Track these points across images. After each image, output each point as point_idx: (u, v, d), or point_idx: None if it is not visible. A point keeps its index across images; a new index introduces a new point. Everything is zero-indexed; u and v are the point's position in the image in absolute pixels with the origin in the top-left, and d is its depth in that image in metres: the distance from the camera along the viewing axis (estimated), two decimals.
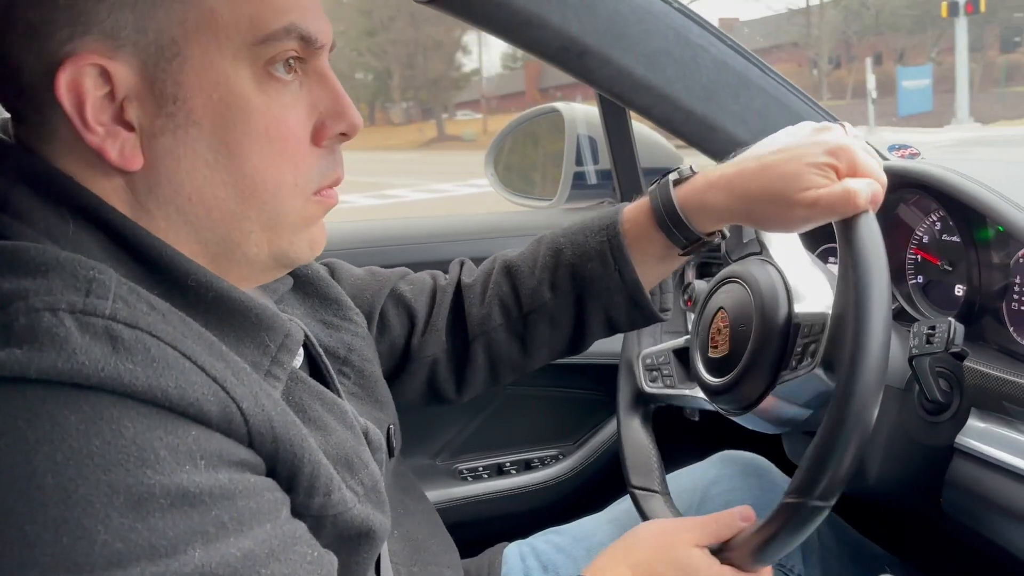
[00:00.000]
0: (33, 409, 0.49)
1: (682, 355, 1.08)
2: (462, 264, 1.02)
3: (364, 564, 0.70)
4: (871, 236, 0.70)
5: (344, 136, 0.67)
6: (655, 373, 1.10)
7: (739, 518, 0.79)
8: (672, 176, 0.86)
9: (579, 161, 1.62)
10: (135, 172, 0.60)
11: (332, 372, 0.77)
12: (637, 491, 1.04)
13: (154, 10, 0.58)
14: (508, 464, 1.52)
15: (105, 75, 0.58)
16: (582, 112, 1.66)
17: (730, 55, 1.22)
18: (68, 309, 0.51)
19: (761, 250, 0.92)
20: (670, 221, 0.84)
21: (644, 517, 1.00)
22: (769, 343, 0.85)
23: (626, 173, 1.50)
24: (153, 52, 0.58)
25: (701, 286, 1.08)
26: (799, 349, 0.82)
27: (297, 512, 0.61)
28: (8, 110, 0.63)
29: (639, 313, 0.91)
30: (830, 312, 0.79)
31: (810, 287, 0.86)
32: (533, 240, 0.97)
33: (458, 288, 0.97)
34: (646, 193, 0.89)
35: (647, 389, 1.09)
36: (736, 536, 0.77)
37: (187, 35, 0.59)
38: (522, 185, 1.83)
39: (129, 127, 0.59)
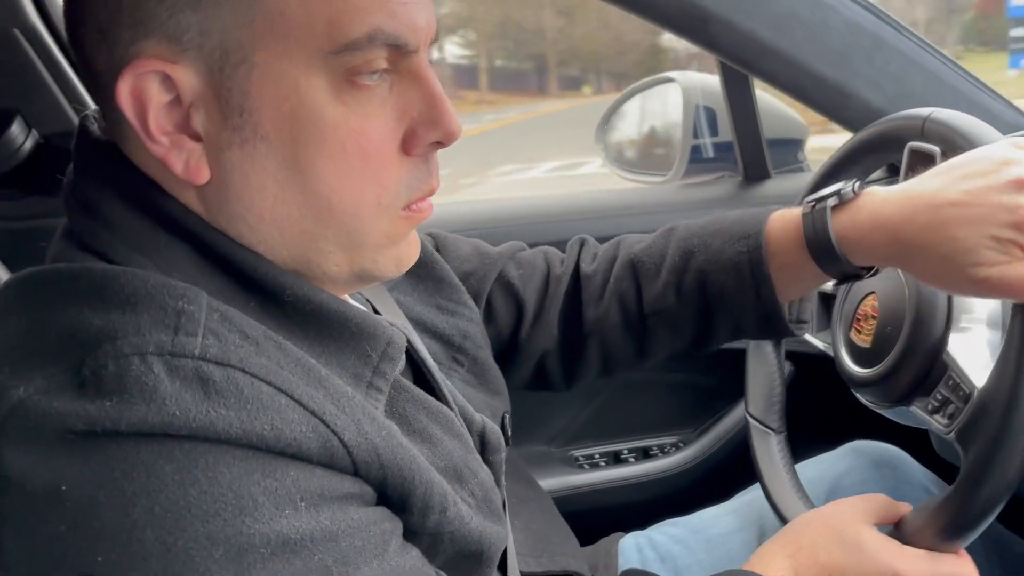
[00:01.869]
0: (128, 461, 0.48)
1: (827, 300, 1.01)
2: (582, 244, 0.94)
3: (486, 573, 0.68)
4: None
5: (439, 144, 0.60)
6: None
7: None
8: (831, 201, 0.75)
9: (696, 133, 1.57)
10: (204, 186, 0.57)
11: (437, 377, 0.72)
12: (751, 420, 0.99)
13: (218, 10, 0.53)
14: (626, 452, 1.49)
15: (168, 81, 0.54)
16: (699, 81, 1.60)
17: (863, 15, 1.15)
18: (157, 352, 0.49)
19: None
20: (824, 255, 0.75)
21: (752, 452, 0.98)
22: (914, 356, 0.80)
23: (749, 145, 1.44)
24: (218, 57, 0.54)
25: None
26: (938, 399, 0.78)
27: (413, 531, 0.59)
28: (96, 104, 0.61)
29: (771, 328, 0.83)
30: (978, 386, 0.73)
31: (971, 316, 0.80)
32: (663, 231, 0.90)
33: (576, 276, 0.91)
34: (801, 206, 0.78)
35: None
36: (915, 512, 0.74)
37: (254, 39, 0.54)
38: (635, 160, 1.79)
39: (195, 136, 0.55)
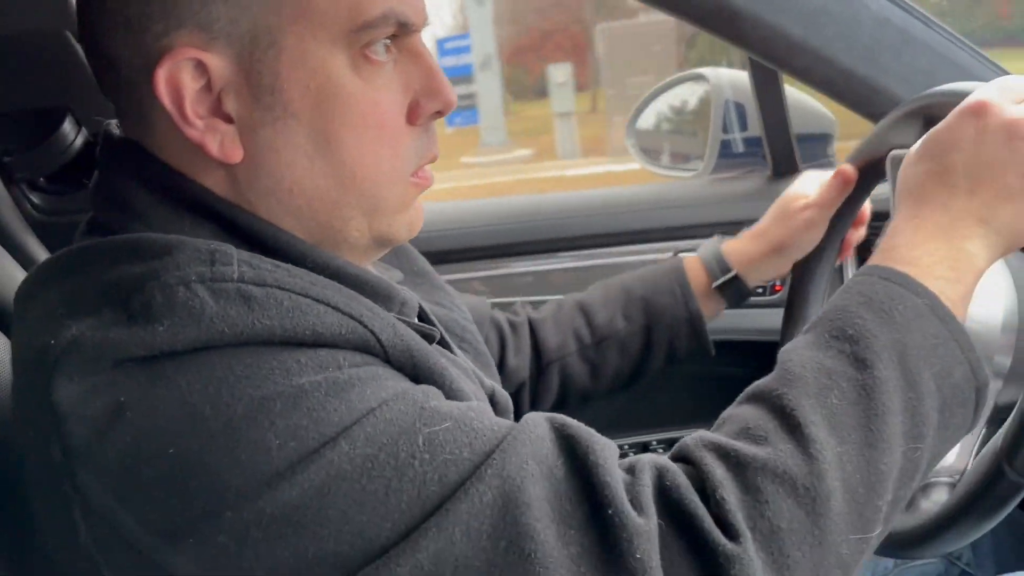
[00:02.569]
0: (188, 374, 0.51)
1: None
2: (523, 307, 1.11)
3: None
4: None
5: (439, 114, 0.66)
6: None
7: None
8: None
9: (726, 128, 1.57)
10: (236, 165, 0.60)
11: (447, 337, 0.78)
12: None
13: (248, 0, 0.58)
14: (655, 443, 1.49)
15: (201, 68, 0.58)
16: (728, 77, 1.60)
17: (891, 9, 1.14)
18: (199, 279, 0.53)
19: None
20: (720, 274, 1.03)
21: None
22: None
23: (778, 141, 1.44)
24: (248, 43, 0.58)
25: None
26: None
27: None
28: (112, 103, 0.64)
29: (697, 343, 1.04)
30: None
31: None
32: (594, 285, 1.10)
33: (530, 322, 1.07)
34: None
35: None
36: None
37: (282, 24, 0.58)
38: (666, 155, 1.79)
39: (228, 119, 0.60)
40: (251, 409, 0.50)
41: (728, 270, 1.03)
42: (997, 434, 0.67)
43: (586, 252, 1.46)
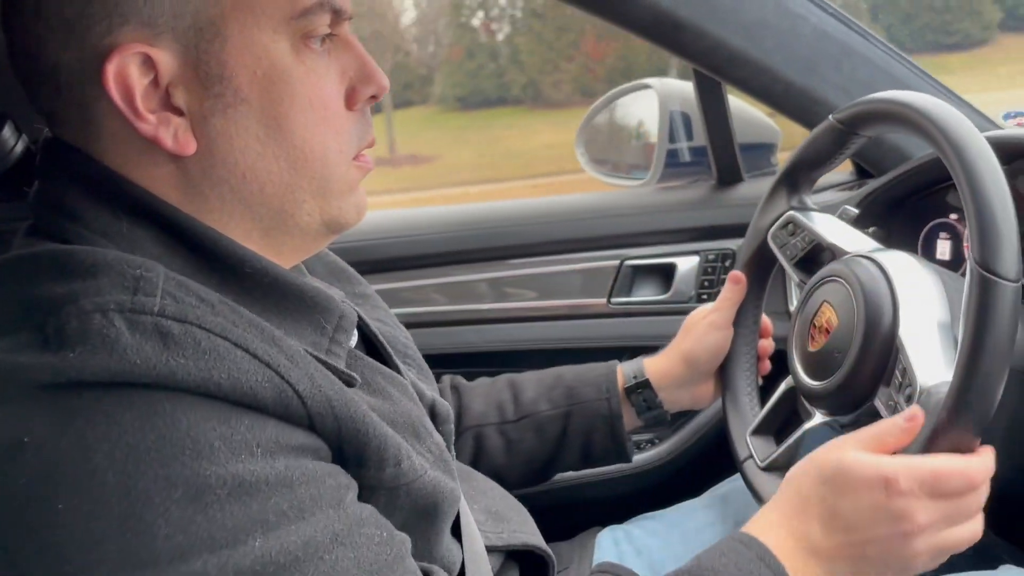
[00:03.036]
0: (90, 409, 0.50)
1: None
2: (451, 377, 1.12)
3: (441, 533, 0.71)
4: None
5: (374, 98, 0.69)
6: None
7: (904, 420, 0.69)
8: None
9: (672, 138, 1.59)
10: (188, 157, 0.61)
11: (389, 350, 0.79)
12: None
13: None
14: None
15: (148, 63, 0.59)
16: (676, 88, 1.62)
17: (831, 23, 1.17)
18: (117, 309, 0.52)
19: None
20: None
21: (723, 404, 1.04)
22: (868, 360, 0.81)
23: (722, 150, 1.46)
24: (193, 35, 0.59)
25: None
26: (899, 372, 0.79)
27: (371, 486, 0.62)
28: (46, 113, 0.64)
29: (613, 444, 1.04)
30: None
31: (917, 294, 0.82)
32: (536, 371, 1.11)
33: (456, 386, 1.09)
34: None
35: None
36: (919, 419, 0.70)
37: (224, 15, 0.60)
38: (613, 164, 1.80)
39: (178, 112, 0.60)
40: (152, 487, 0.50)
41: (642, 377, 1.05)
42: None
43: (538, 259, 1.46)
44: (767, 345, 1.06)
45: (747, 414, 0.99)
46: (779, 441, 0.91)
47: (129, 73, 0.58)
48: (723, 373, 1.04)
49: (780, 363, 1.00)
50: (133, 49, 0.58)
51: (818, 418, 0.88)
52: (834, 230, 0.95)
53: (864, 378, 0.81)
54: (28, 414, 0.50)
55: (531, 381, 1.08)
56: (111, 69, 0.58)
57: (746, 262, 1.03)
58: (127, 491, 0.49)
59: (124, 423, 0.50)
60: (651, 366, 1.05)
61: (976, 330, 0.67)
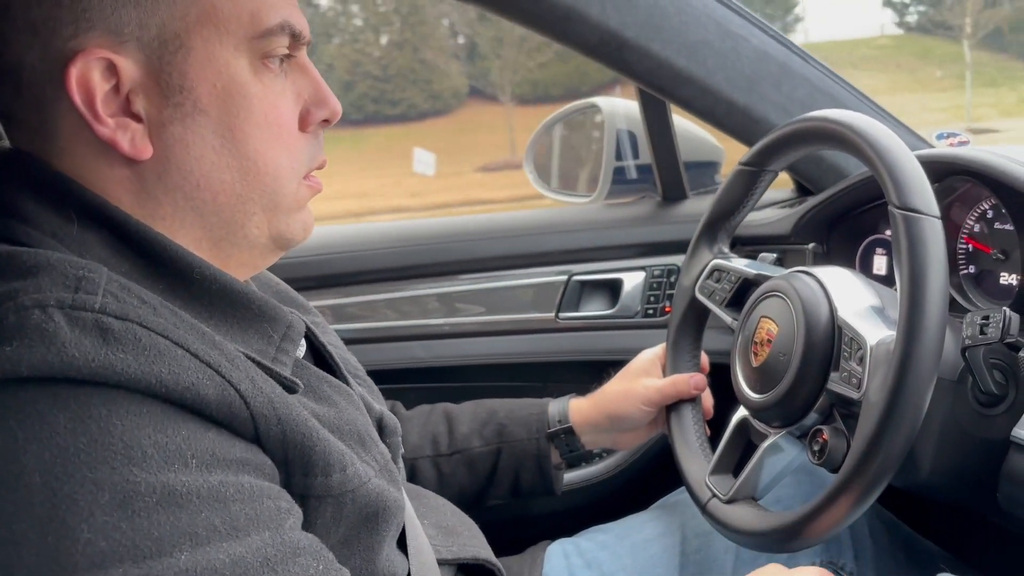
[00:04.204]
0: (24, 409, 0.50)
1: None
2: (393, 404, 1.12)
3: (384, 543, 0.71)
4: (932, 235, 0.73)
5: (327, 123, 0.71)
6: None
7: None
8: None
9: (619, 156, 1.61)
10: (144, 162, 0.62)
11: (340, 363, 0.80)
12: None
13: (156, 6, 0.61)
14: None
15: (111, 69, 0.60)
16: (622, 106, 1.65)
17: (772, 45, 1.20)
18: (57, 305, 0.52)
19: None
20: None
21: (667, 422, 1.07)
22: (814, 350, 0.84)
23: (667, 168, 1.48)
24: (157, 46, 0.61)
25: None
26: (846, 352, 0.81)
27: (318, 495, 0.62)
28: (3, 114, 0.64)
29: (541, 481, 1.08)
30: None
31: (851, 291, 0.86)
32: (474, 401, 1.13)
33: (395, 414, 1.05)
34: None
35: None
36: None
37: (189, 29, 0.62)
38: (562, 182, 1.82)
39: (137, 118, 0.61)
40: (78, 491, 0.49)
41: (566, 422, 1.08)
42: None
43: (486, 275, 1.47)
44: (704, 386, 1.08)
45: (701, 458, 1.01)
46: (738, 475, 0.92)
47: (91, 77, 0.59)
48: (670, 424, 1.06)
49: (726, 401, 1.03)
50: (97, 55, 0.59)
51: (772, 436, 0.89)
52: (759, 265, 1.00)
53: (813, 369, 0.84)
54: None
55: (466, 414, 1.10)
56: (74, 72, 0.59)
57: (678, 324, 1.07)
58: (52, 493, 0.49)
59: (56, 424, 0.50)
60: (576, 411, 1.08)
61: (913, 266, 0.71)
